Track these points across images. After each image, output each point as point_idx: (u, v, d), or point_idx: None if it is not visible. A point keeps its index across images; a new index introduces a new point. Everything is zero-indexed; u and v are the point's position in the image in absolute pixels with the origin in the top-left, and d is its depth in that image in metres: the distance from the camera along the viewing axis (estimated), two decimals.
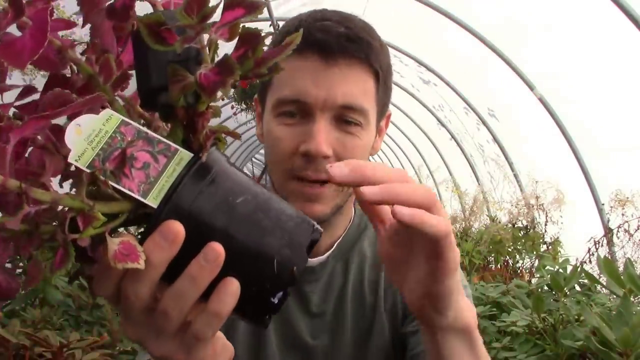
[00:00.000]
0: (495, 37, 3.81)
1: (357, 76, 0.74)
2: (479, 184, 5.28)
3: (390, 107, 0.80)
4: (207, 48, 0.40)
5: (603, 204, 3.43)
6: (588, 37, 3.11)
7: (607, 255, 3.28)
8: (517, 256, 4.01)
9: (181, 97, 0.40)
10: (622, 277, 1.65)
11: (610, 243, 3.37)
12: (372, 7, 4.06)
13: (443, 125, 5.74)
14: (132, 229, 0.46)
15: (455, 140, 5.63)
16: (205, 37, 0.39)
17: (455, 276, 0.50)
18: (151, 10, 0.41)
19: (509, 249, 3.99)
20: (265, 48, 0.40)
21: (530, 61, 3.72)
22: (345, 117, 0.75)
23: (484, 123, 4.85)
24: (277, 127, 0.76)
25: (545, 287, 2.25)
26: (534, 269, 3.69)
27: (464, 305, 0.54)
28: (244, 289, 0.41)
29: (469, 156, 5.49)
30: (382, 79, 0.78)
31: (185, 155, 0.41)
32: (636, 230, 3.22)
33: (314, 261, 0.85)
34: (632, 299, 1.65)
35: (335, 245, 0.87)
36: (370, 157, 0.87)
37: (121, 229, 0.41)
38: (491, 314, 2.27)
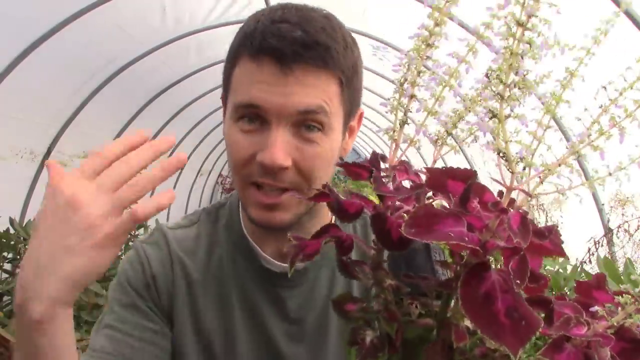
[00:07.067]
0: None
1: (315, 82, 0.70)
2: None
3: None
4: None
5: (603, 204, 3.43)
6: (588, 37, 3.10)
7: (607, 255, 3.27)
8: None
9: None
10: (622, 277, 1.65)
11: (610, 243, 3.37)
12: (372, 6, 4.07)
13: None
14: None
15: (455, 141, 5.63)
16: None
17: None
18: None
19: None
20: None
21: (530, 61, 3.71)
22: (305, 122, 0.71)
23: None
24: (235, 133, 0.73)
25: None
26: None
27: None
28: None
29: (469, 156, 5.49)
30: (347, 82, 0.73)
31: None
32: (636, 230, 3.22)
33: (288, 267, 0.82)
34: None
35: None
36: (342, 158, 0.82)
37: None
38: None
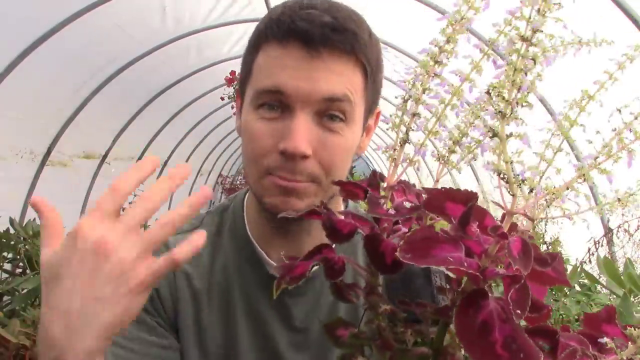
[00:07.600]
0: (494, 36, 3.80)
1: (342, 68, 0.69)
2: (479, 184, 5.27)
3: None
4: None
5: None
6: (588, 37, 3.11)
7: (607, 255, 3.27)
8: None
9: None
10: (622, 277, 1.65)
11: (610, 243, 3.37)
12: (373, 6, 4.07)
13: (443, 125, 5.72)
14: None
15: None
16: None
17: None
18: None
19: None
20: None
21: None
22: (328, 112, 0.70)
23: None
24: (256, 122, 0.71)
25: None
26: None
27: None
28: None
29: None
30: (371, 74, 0.73)
31: None
32: (636, 230, 3.22)
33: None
34: (632, 299, 1.65)
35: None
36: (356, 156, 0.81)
37: None
38: None
